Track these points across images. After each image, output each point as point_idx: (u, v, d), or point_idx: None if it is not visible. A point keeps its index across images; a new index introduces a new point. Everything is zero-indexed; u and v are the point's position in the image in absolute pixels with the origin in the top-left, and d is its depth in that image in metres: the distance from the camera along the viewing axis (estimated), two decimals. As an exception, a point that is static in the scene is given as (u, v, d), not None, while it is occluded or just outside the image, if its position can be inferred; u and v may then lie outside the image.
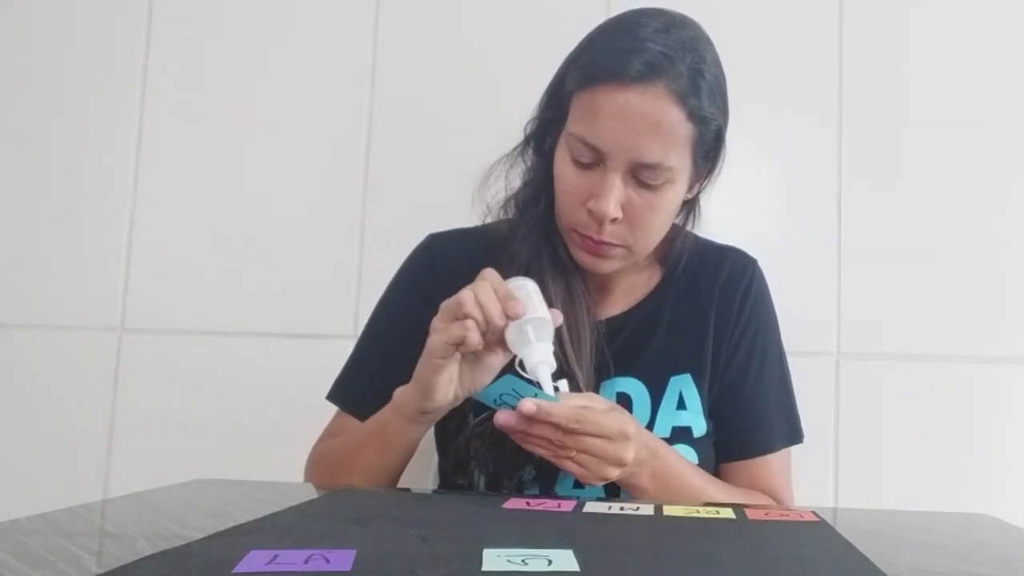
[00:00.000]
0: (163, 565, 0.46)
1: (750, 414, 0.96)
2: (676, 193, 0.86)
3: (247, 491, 0.77)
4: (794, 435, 0.98)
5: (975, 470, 1.24)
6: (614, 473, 0.76)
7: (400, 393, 0.84)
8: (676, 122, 0.81)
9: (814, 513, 0.68)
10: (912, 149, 1.30)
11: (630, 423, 0.77)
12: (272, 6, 1.44)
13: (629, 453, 0.75)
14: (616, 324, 0.95)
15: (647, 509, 0.69)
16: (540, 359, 0.75)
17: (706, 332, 0.95)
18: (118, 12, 1.46)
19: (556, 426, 0.73)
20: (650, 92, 0.79)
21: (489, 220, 0.97)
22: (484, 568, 0.45)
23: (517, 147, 0.93)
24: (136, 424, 1.39)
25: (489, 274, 0.78)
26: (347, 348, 1.02)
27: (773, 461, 0.96)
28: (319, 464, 0.95)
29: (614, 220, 0.83)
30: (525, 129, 0.93)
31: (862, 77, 1.32)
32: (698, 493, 0.84)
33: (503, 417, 0.74)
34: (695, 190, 0.91)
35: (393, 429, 0.84)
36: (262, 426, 1.34)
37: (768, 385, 0.97)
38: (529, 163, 0.94)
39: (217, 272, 1.40)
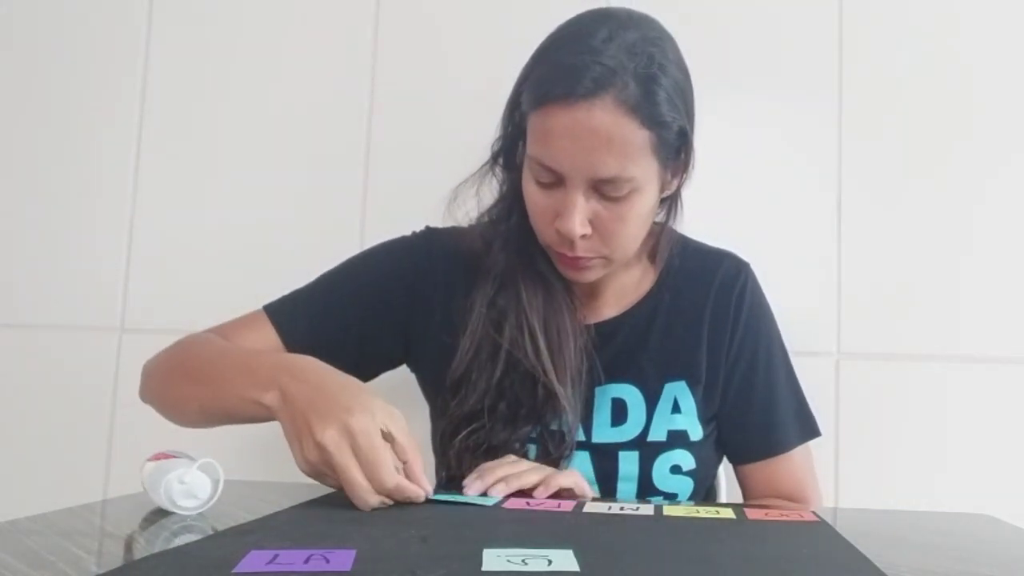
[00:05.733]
0: (163, 565, 0.46)
1: (763, 415, 0.96)
2: (645, 199, 0.84)
3: (247, 491, 0.77)
4: (809, 431, 0.98)
5: (975, 470, 1.24)
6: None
7: (275, 393, 0.74)
8: (629, 133, 0.78)
9: (814, 513, 0.68)
10: (912, 149, 1.30)
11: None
12: (272, 5, 1.44)
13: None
14: (608, 329, 0.95)
15: (647, 509, 0.69)
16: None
17: (701, 338, 0.95)
18: (118, 12, 1.46)
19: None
20: (597, 107, 0.77)
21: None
22: (484, 568, 0.45)
23: (485, 164, 0.93)
24: (136, 424, 1.38)
25: None
26: (347, 348, 1.02)
27: (793, 459, 0.96)
28: (177, 350, 0.89)
29: (584, 236, 0.82)
30: (492, 147, 0.92)
31: (862, 77, 1.32)
32: None
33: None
34: (672, 187, 0.90)
35: (245, 397, 0.77)
36: (262, 426, 1.34)
37: (776, 385, 0.97)
38: (499, 178, 0.93)
39: (217, 272, 1.40)
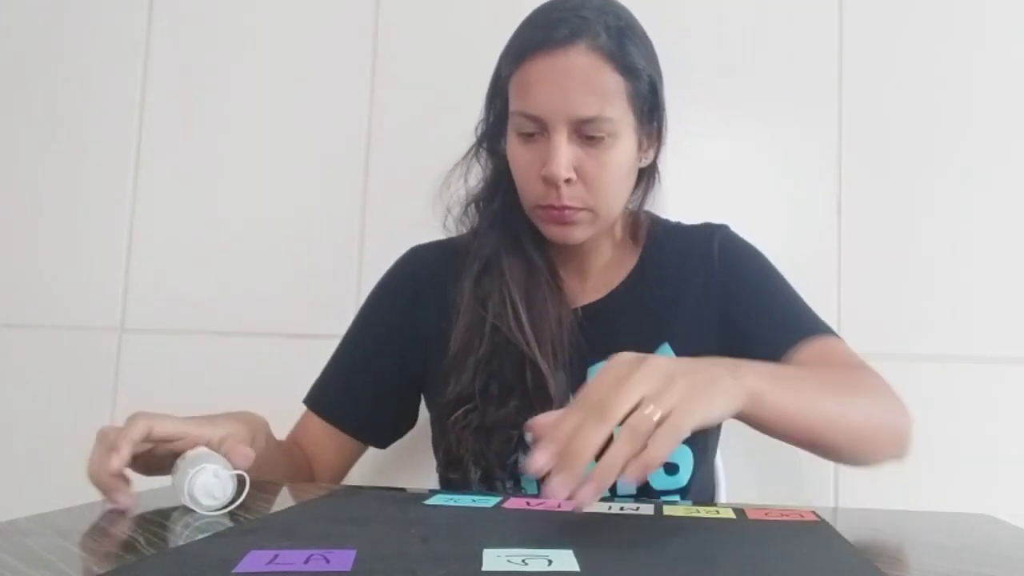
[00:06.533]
0: (163, 565, 0.46)
1: (781, 310, 0.94)
2: (623, 149, 0.87)
3: (247, 491, 0.77)
4: (824, 327, 0.93)
5: (975, 470, 1.24)
6: (656, 413, 0.56)
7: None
8: (605, 75, 0.83)
9: (814, 513, 0.68)
10: (912, 149, 1.30)
11: (619, 357, 0.62)
12: (272, 6, 1.44)
13: (637, 377, 0.57)
14: (595, 310, 0.96)
15: (647, 509, 0.69)
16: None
17: (680, 299, 0.95)
18: (118, 12, 1.46)
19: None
20: (572, 51, 0.83)
21: (449, 222, 0.99)
22: (484, 568, 0.45)
23: (470, 150, 0.97)
24: (136, 424, 1.39)
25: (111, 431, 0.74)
26: (347, 348, 1.02)
27: (829, 341, 0.91)
28: None
29: (568, 181, 0.85)
30: (475, 131, 0.96)
31: (862, 77, 1.32)
32: (816, 385, 0.75)
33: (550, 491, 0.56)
34: (649, 156, 0.93)
35: None
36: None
37: (781, 288, 0.96)
38: (484, 164, 0.97)
39: (217, 272, 1.40)
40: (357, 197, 1.38)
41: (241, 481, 0.65)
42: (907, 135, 1.30)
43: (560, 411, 0.60)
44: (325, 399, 1.00)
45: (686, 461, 0.91)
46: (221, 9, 1.44)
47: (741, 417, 0.65)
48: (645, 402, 0.56)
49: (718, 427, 0.99)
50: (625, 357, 0.61)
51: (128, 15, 1.45)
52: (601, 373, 0.60)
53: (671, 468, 0.91)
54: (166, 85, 1.44)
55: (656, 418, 0.55)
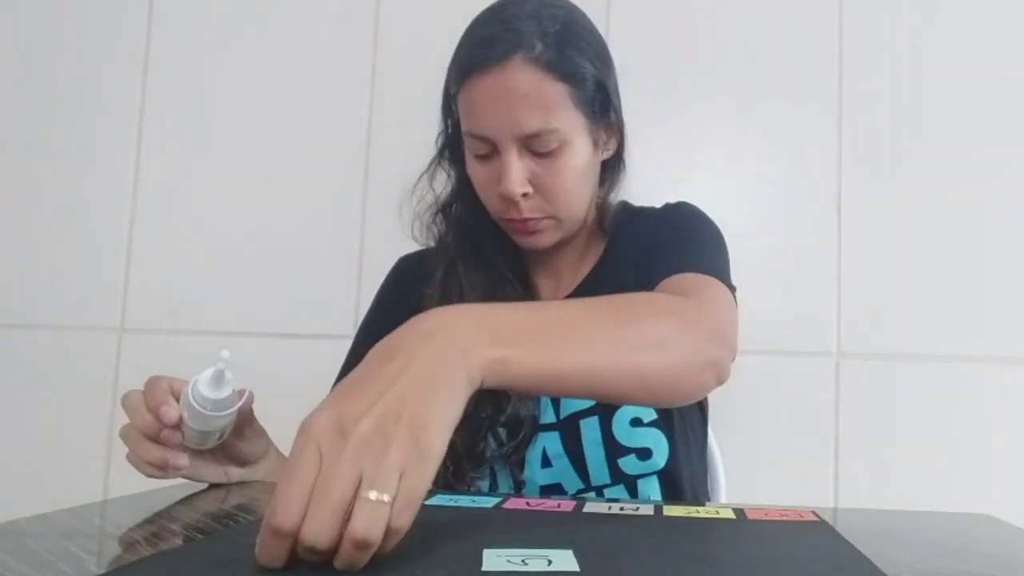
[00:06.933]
0: (163, 565, 0.46)
1: (671, 247, 0.88)
2: (577, 153, 0.87)
3: (247, 491, 0.77)
4: (714, 272, 0.83)
5: (975, 470, 1.24)
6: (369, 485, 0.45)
7: None
8: (544, 87, 0.83)
9: (814, 513, 0.68)
10: (912, 149, 1.30)
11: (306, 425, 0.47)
12: (272, 6, 1.44)
13: (347, 454, 0.44)
14: None
15: (647, 509, 0.69)
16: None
17: (635, 269, 0.90)
18: (118, 12, 1.46)
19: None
20: (508, 68, 0.82)
21: (416, 228, 1.00)
22: (484, 568, 0.45)
23: (433, 159, 0.98)
24: (136, 424, 1.39)
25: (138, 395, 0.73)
26: (347, 348, 1.02)
27: (688, 276, 0.82)
28: None
29: (525, 195, 0.86)
30: (436, 141, 0.97)
31: (862, 76, 1.32)
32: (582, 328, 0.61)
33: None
34: (610, 147, 0.93)
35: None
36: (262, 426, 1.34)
37: (697, 235, 0.92)
38: (446, 171, 0.98)
39: (217, 272, 1.40)
40: (357, 198, 1.38)
41: (243, 395, 0.71)
42: (907, 135, 1.30)
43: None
44: None
45: (659, 443, 0.88)
46: (221, 9, 1.44)
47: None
48: (364, 486, 0.43)
49: (698, 404, 0.98)
50: (324, 417, 0.46)
51: (128, 15, 1.45)
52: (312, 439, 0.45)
53: (643, 453, 0.88)
54: (166, 85, 1.44)
55: (386, 499, 0.44)
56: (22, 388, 1.42)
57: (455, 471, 0.88)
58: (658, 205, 1.01)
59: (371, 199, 1.38)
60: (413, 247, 1.04)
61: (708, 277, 0.82)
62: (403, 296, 1.00)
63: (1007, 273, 1.27)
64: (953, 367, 1.27)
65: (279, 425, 1.40)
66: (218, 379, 0.69)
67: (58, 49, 1.47)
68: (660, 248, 0.89)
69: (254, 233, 1.40)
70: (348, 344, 1.04)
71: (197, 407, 0.69)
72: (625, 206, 1.02)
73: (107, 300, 1.41)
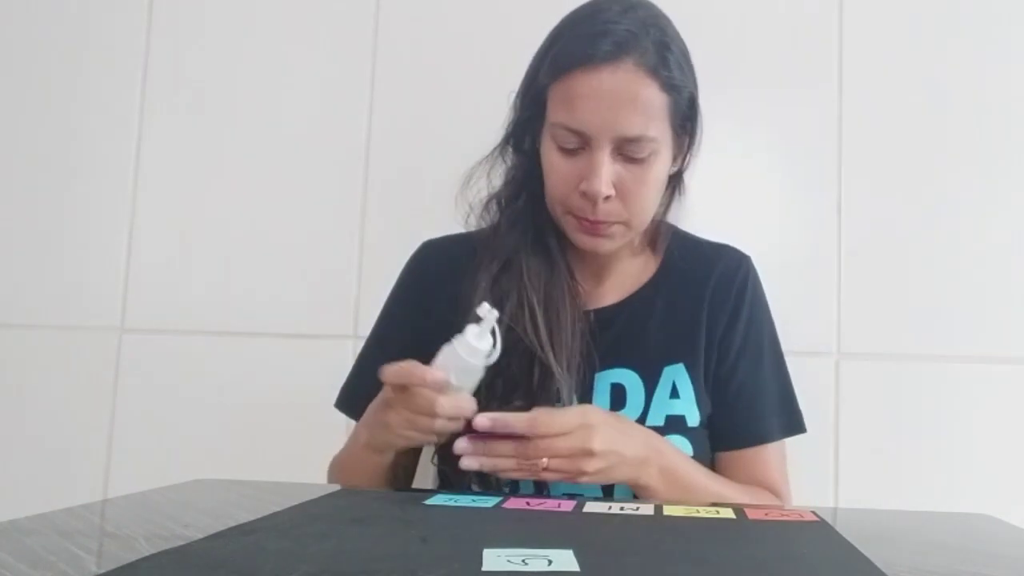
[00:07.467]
0: (163, 565, 0.46)
1: (747, 403, 0.96)
2: (662, 165, 0.88)
3: (247, 491, 0.77)
4: (793, 426, 0.98)
5: (975, 470, 1.24)
6: (589, 466, 0.77)
7: (358, 427, 0.89)
8: (650, 94, 0.83)
9: (814, 513, 0.68)
10: (912, 149, 1.30)
11: (591, 412, 0.80)
12: (272, 6, 1.44)
13: (594, 442, 0.77)
14: (608, 315, 0.96)
15: (647, 509, 0.69)
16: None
17: (700, 323, 0.96)
18: (118, 13, 1.46)
19: (513, 438, 0.76)
20: (621, 69, 0.82)
21: (472, 219, 0.99)
22: (484, 568, 0.45)
23: (496, 148, 0.96)
24: (136, 424, 1.38)
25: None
26: (347, 348, 1.02)
27: (768, 452, 0.96)
28: (332, 472, 0.98)
29: (607, 198, 0.85)
30: (505, 129, 0.95)
31: (862, 77, 1.32)
32: (703, 490, 0.85)
33: (462, 445, 0.77)
34: (679, 163, 0.94)
35: (359, 458, 0.88)
36: (262, 426, 1.34)
37: (765, 375, 0.97)
38: (509, 162, 0.96)
39: (217, 272, 1.40)
40: (357, 197, 1.38)
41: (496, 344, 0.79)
42: (907, 135, 1.30)
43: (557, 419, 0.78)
44: (356, 401, 0.97)
45: (684, 449, 0.91)
46: (221, 9, 1.44)
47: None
48: (595, 459, 0.78)
49: (709, 418, 0.99)
50: (613, 431, 0.80)
51: (127, 15, 1.45)
52: (603, 426, 0.79)
53: None
54: (166, 85, 1.44)
55: (591, 469, 0.77)
56: (22, 388, 1.42)
57: (480, 474, 0.88)
58: (692, 227, 1.02)
59: (371, 199, 1.38)
60: (413, 247, 1.04)
61: (773, 449, 0.96)
62: (428, 283, 0.99)
63: (1007, 273, 1.27)
64: (953, 367, 1.27)
65: (280, 424, 1.41)
66: (485, 331, 0.77)
67: (58, 49, 1.47)
68: (739, 379, 0.95)
69: (254, 233, 1.40)
70: (348, 344, 1.04)
71: (467, 358, 0.77)
72: (677, 231, 1.02)
73: (107, 300, 1.41)
